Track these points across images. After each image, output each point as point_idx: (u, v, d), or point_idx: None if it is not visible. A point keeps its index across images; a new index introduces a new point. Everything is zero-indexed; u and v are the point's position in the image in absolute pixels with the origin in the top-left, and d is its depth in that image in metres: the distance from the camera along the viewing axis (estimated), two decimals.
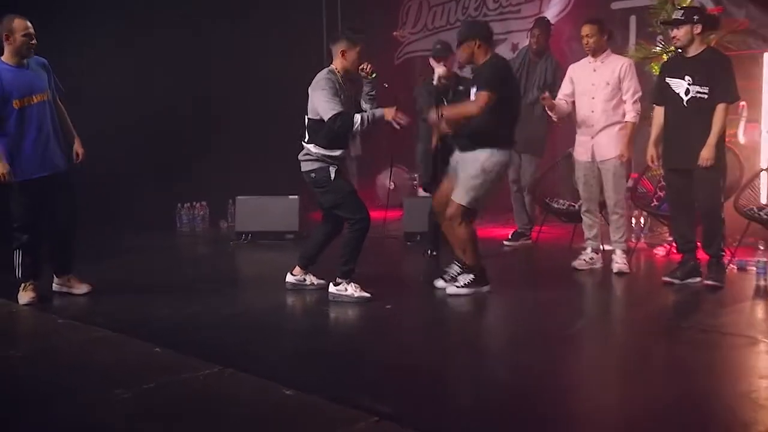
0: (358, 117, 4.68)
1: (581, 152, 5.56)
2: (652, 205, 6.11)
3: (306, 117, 4.83)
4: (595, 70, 5.47)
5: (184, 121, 8.08)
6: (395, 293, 5.00)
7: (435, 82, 5.32)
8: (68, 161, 4.90)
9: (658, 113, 5.13)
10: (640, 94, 5.38)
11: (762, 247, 5.42)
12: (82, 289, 5.00)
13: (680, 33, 4.88)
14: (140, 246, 7.01)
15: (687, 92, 4.84)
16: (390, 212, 7.71)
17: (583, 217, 5.67)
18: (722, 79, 4.77)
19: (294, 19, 8.93)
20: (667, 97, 4.98)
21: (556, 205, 6.23)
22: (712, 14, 5.18)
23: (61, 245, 4.98)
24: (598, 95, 5.42)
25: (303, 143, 4.84)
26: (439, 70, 5.34)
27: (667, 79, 4.97)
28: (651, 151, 5.17)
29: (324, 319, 4.55)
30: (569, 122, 6.55)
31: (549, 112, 5.64)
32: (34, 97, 4.70)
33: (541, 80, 6.58)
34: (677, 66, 4.98)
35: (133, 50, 7.56)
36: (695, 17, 4.85)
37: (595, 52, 5.44)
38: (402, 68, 10.08)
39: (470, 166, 4.73)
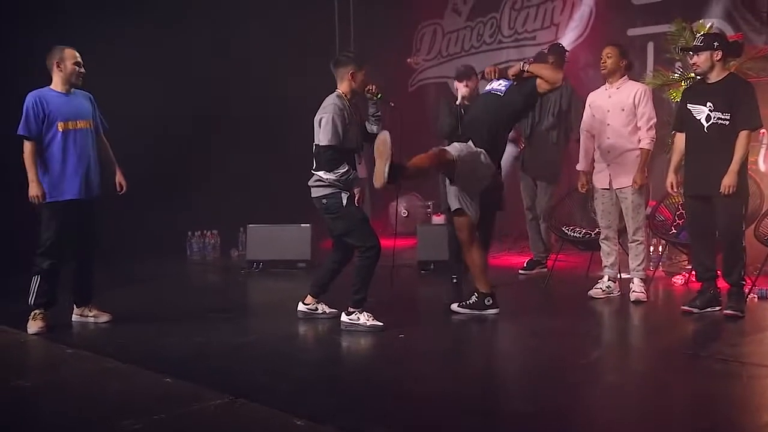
0: (344, 171, 4.82)
1: (599, 179, 5.60)
2: (671, 232, 6.12)
3: (314, 144, 4.90)
4: (610, 97, 5.53)
5: (194, 148, 8.17)
6: (408, 322, 5.02)
7: (458, 102, 5.51)
8: (100, 191, 5.03)
9: (679, 140, 5.16)
10: (654, 120, 5.42)
11: None
12: (102, 317, 5.08)
13: (700, 60, 4.92)
14: (150, 274, 7.07)
15: (708, 118, 4.87)
16: (403, 240, 7.73)
17: (601, 244, 5.69)
18: (744, 106, 4.80)
19: (309, 45, 9.04)
20: (688, 123, 5.01)
21: (572, 233, 6.25)
22: (734, 41, 5.21)
23: (82, 274, 5.06)
24: (614, 121, 5.47)
25: (312, 171, 4.91)
26: (463, 90, 5.52)
27: (689, 105, 5.00)
28: (671, 177, 5.19)
29: (336, 349, 4.57)
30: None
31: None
32: (78, 122, 4.91)
33: (555, 107, 6.63)
34: (699, 92, 5.01)
35: (145, 74, 7.67)
36: (715, 44, 4.90)
37: (610, 75, 5.50)
38: (416, 95, 10.18)
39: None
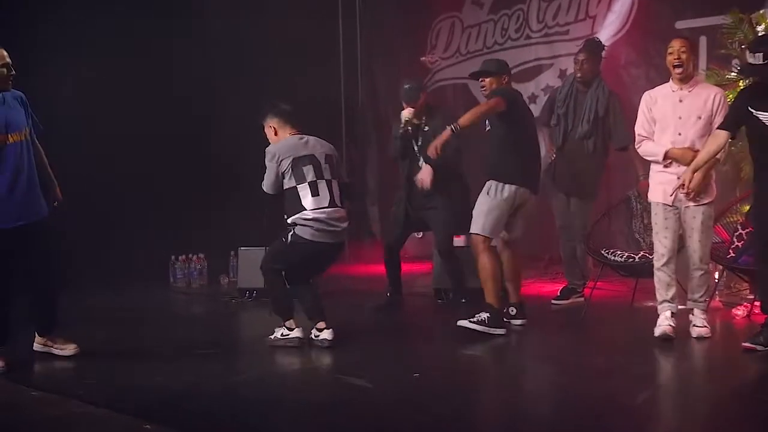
0: None
1: (661, 193, 5.40)
2: (729, 257, 6.05)
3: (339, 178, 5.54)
4: (681, 101, 5.32)
5: (178, 163, 8.21)
6: (423, 358, 5.01)
7: (401, 130, 5.89)
8: (49, 208, 4.99)
9: (720, 138, 5.03)
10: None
11: None
12: (67, 350, 5.05)
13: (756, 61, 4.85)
14: (128, 304, 7.07)
15: None
16: (416, 264, 7.73)
17: (657, 273, 5.44)
18: None
19: (309, 46, 9.09)
20: (755, 131, 4.93)
21: (613, 257, 6.19)
22: None
23: (41, 302, 5.04)
24: (688, 131, 5.27)
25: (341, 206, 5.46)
26: (405, 113, 5.90)
27: (756, 113, 4.87)
28: (688, 175, 5.08)
29: (341, 389, 4.53)
30: (627, 159, 6.59)
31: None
32: (10, 136, 4.78)
33: (591, 113, 6.58)
34: (761, 96, 4.89)
35: (125, 87, 7.75)
36: None
37: (686, 77, 5.30)
38: (432, 98, 10.13)
39: (480, 196, 5.58)
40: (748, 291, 6.19)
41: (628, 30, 8.43)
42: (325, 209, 5.33)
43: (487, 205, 5.57)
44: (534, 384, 4.76)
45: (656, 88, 5.54)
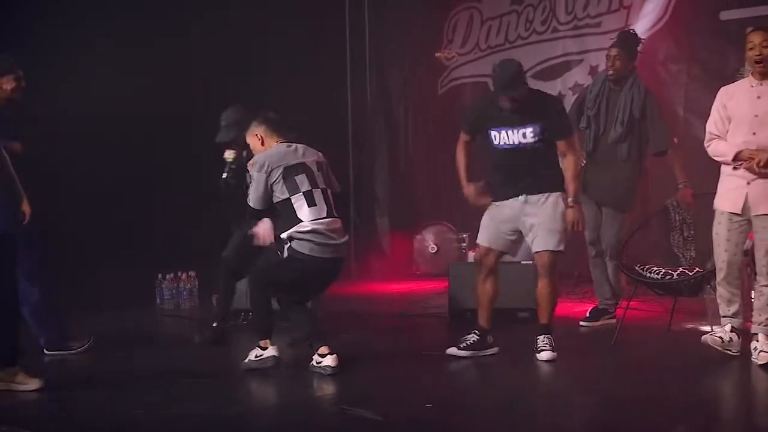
0: None
1: (728, 200, 5.44)
2: None
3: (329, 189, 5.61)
4: (759, 97, 5.34)
5: (165, 172, 8.25)
6: (437, 389, 5.01)
7: (224, 175, 6.11)
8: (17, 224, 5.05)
9: None
10: None
11: None
12: (29, 385, 5.06)
13: None
14: (110, 329, 7.05)
15: None
16: (431, 282, 7.74)
17: (718, 288, 5.53)
18: None
19: (312, 43, 9.14)
20: None
21: (649, 274, 6.19)
22: None
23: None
24: (762, 130, 5.31)
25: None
26: (228, 156, 6.06)
27: None
28: (764, 155, 5.14)
29: (345, 422, 4.55)
30: (665, 165, 6.60)
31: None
32: None
33: (625, 114, 6.59)
34: None
35: (105, 94, 7.82)
36: None
37: (766, 72, 5.33)
38: (447, 98, 10.24)
39: (549, 209, 5.57)
40: None
41: (666, 22, 8.45)
42: (323, 220, 5.38)
43: (562, 222, 5.62)
44: (562, 417, 4.75)
45: (735, 83, 5.59)
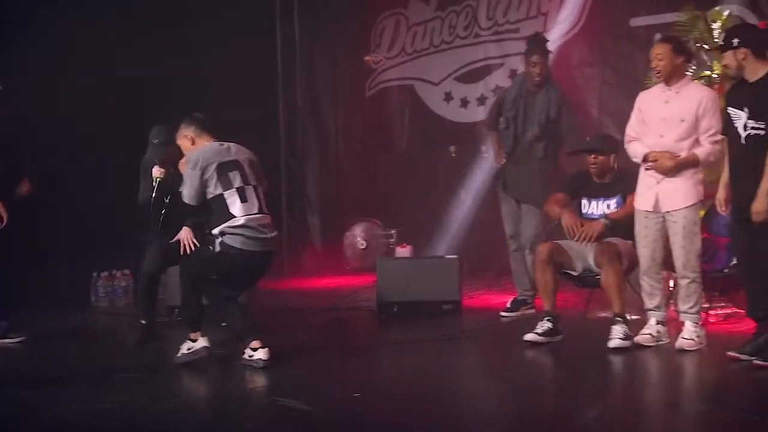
0: None
1: (642, 200, 5.60)
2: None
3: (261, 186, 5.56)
4: (667, 102, 5.50)
5: (100, 170, 8.15)
6: (365, 377, 5.08)
7: (153, 194, 5.95)
8: None
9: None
10: (720, 135, 5.33)
11: None
12: None
13: (725, 60, 5.09)
14: (44, 327, 6.95)
15: (745, 127, 4.97)
16: (359, 277, 7.77)
17: (641, 282, 5.67)
18: None
19: (242, 52, 9.11)
20: (728, 130, 5.11)
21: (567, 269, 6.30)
22: (757, 29, 5.35)
23: None
24: (669, 133, 5.46)
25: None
26: (156, 173, 5.95)
27: (729, 109, 5.09)
28: (721, 193, 5.26)
29: (275, 414, 4.56)
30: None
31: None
32: None
33: (542, 115, 6.70)
34: (738, 94, 5.10)
35: (41, 92, 7.71)
36: (735, 41, 5.02)
37: (669, 79, 5.50)
38: (376, 101, 10.27)
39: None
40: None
41: (581, 28, 8.63)
42: (254, 216, 5.40)
43: None
44: (481, 402, 4.83)
45: (652, 88, 5.77)
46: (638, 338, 5.61)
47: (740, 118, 4.99)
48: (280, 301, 7.81)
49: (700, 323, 5.54)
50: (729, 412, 4.33)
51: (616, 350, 5.46)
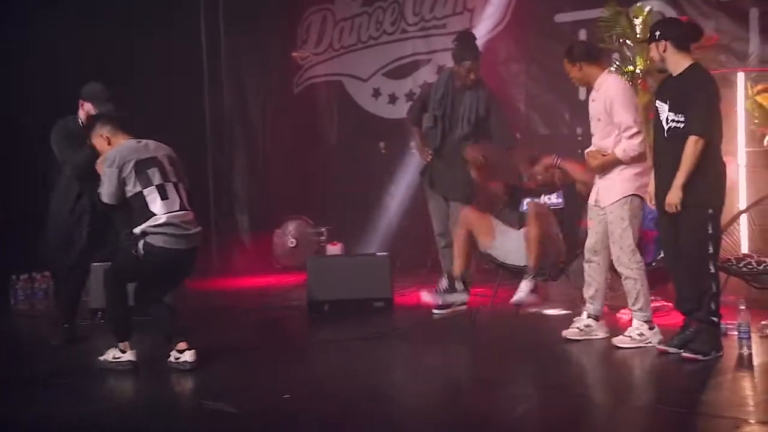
0: None
1: (591, 193, 5.69)
2: None
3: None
4: (593, 101, 5.60)
5: (19, 172, 7.94)
6: (295, 378, 5.00)
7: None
8: None
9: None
10: (635, 129, 5.35)
11: (743, 307, 5.56)
12: None
13: (650, 53, 5.17)
14: None
15: (667, 120, 5.03)
16: (289, 276, 7.68)
17: (585, 271, 5.71)
18: (694, 106, 4.92)
19: (168, 49, 8.93)
20: (656, 123, 5.17)
21: (500, 261, 6.27)
22: (687, 22, 5.37)
23: None
24: (596, 132, 5.58)
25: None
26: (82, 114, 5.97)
27: (656, 102, 5.16)
28: (651, 187, 5.27)
29: (201, 417, 4.45)
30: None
31: None
32: None
33: (471, 114, 6.66)
34: (663, 87, 5.19)
35: None
36: (657, 33, 5.08)
37: (587, 84, 5.65)
38: (303, 97, 10.19)
39: None
40: None
41: (507, 24, 8.66)
42: (176, 213, 5.24)
43: None
44: (412, 400, 4.76)
45: None
46: (565, 332, 5.62)
47: (664, 111, 5.05)
48: (208, 301, 7.71)
49: (645, 322, 5.44)
50: (657, 405, 4.36)
51: (550, 343, 5.52)
